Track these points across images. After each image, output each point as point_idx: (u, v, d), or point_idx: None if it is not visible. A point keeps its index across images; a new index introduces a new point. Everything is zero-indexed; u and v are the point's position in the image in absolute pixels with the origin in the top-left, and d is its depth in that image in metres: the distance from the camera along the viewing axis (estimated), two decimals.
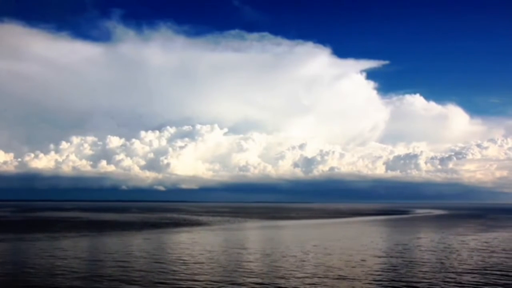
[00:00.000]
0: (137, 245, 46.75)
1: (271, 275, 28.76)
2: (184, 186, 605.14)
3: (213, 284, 26.10)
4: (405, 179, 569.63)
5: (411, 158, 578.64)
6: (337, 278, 27.91)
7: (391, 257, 37.48)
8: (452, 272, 30.08)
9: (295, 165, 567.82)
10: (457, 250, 42.21)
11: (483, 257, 37.63)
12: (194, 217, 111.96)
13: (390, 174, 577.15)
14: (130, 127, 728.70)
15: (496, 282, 26.88)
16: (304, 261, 35.01)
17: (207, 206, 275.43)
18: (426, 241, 51.14)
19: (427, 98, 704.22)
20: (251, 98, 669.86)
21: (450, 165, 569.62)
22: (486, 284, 26.43)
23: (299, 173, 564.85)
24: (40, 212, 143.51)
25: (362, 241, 51.36)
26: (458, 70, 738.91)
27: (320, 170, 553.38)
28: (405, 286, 25.85)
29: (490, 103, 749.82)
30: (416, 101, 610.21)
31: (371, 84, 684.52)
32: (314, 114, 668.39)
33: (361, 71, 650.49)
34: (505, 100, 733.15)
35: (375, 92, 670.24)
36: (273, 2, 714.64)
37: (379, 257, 37.50)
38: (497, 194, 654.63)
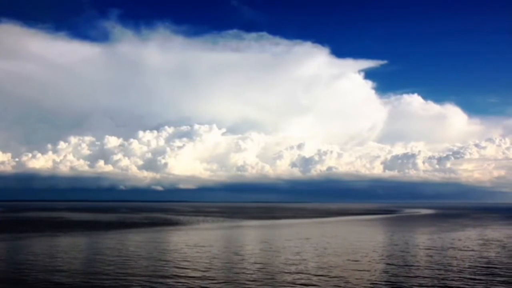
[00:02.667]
0: (94, 244, 47.57)
1: (196, 271, 29.58)
2: (182, 186, 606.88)
3: (133, 280, 26.91)
4: (403, 179, 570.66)
5: (409, 157, 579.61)
6: (268, 278, 28.67)
7: (335, 255, 38.19)
8: (379, 269, 30.88)
9: (293, 165, 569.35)
10: (407, 249, 42.96)
11: (424, 255, 38.39)
12: (177, 217, 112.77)
13: (388, 173, 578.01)
14: (128, 127, 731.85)
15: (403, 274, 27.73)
16: (243, 259, 35.78)
17: (200, 206, 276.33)
18: (384, 240, 51.84)
19: (425, 97, 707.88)
20: (250, 98, 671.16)
21: (448, 165, 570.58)
22: (406, 277, 27.25)
23: (297, 173, 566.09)
24: (26, 213, 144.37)
25: (320, 240, 52.08)
26: (456, 70, 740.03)
27: (318, 170, 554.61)
28: (317, 282, 26.65)
29: (488, 103, 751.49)
30: (414, 101, 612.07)
31: (369, 83, 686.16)
32: (313, 113, 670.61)
33: (359, 71, 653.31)
34: (503, 100, 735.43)
35: (373, 91, 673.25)
36: (272, 2, 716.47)
37: (321, 255, 38.22)
38: (495, 194, 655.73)
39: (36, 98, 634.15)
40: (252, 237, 59.38)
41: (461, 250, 42.40)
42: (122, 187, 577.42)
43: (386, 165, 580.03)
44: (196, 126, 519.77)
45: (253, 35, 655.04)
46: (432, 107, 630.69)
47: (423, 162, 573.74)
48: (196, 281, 26.99)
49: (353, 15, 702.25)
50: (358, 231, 69.42)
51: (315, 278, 27.98)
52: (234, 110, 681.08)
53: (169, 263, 33.79)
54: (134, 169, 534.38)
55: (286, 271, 30.43)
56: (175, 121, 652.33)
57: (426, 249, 43.02)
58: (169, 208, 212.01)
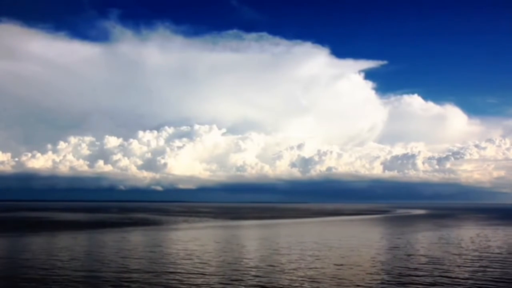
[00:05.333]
0: (51, 243, 48.04)
1: (123, 270, 29.94)
2: (181, 186, 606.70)
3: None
4: (402, 179, 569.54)
5: (408, 158, 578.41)
6: (194, 276, 29.02)
7: (278, 254, 38.49)
8: (315, 267, 31.17)
9: (293, 165, 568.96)
10: (352, 248, 43.23)
11: (364, 254, 38.67)
12: (160, 217, 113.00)
13: (388, 174, 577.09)
14: (128, 127, 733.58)
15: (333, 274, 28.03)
16: (186, 259, 36.13)
17: (195, 206, 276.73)
18: (337, 240, 52.04)
19: (425, 98, 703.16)
20: (250, 98, 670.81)
21: (448, 165, 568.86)
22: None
23: (296, 173, 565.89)
24: (12, 213, 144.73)
25: (282, 240, 52.37)
26: (456, 70, 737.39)
27: (317, 170, 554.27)
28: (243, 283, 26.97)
29: (488, 103, 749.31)
30: (414, 101, 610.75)
31: (369, 84, 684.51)
32: (313, 114, 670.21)
33: (360, 71, 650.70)
34: (503, 100, 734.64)
35: (373, 92, 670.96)
36: (271, 2, 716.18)
37: (265, 254, 38.52)
38: (495, 194, 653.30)
39: (36, 98, 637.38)
40: (217, 236, 59.51)
41: (411, 249, 42.61)
42: (121, 187, 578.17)
43: (386, 166, 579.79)
44: (196, 126, 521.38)
45: (253, 35, 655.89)
46: (432, 107, 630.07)
47: (423, 163, 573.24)
48: (122, 275, 27.35)
49: (353, 15, 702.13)
50: (329, 231, 69.67)
51: (242, 274, 28.29)
52: (234, 110, 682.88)
53: (111, 262, 34.14)
54: (133, 169, 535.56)
55: (217, 269, 30.78)
56: (175, 121, 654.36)
57: (375, 248, 43.26)
58: (161, 208, 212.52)
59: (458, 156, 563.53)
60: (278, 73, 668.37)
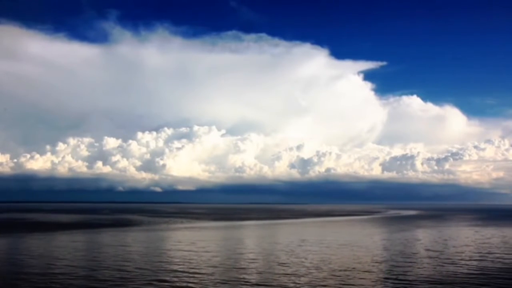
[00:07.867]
0: (19, 244, 48.72)
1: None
2: (180, 187, 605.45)
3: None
4: (401, 180, 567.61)
5: (407, 159, 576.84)
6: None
7: (237, 254, 39.08)
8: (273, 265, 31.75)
9: (291, 166, 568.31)
10: (323, 249, 43.78)
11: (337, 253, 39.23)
12: (142, 218, 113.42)
13: (387, 175, 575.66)
14: (127, 128, 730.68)
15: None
16: (133, 259, 36.74)
17: (189, 208, 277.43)
18: (310, 241, 52.59)
19: (424, 99, 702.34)
20: (249, 99, 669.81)
21: (447, 166, 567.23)
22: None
23: (295, 174, 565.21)
24: (3, 214, 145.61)
25: (246, 241, 52.93)
26: (455, 71, 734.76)
27: (316, 171, 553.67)
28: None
29: (487, 104, 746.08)
30: (413, 102, 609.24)
31: (368, 85, 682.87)
32: (312, 115, 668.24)
33: (359, 72, 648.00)
34: (502, 101, 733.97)
35: (372, 93, 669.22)
36: (271, 3, 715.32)
37: (214, 256, 39.07)
38: (494, 195, 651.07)
39: (35, 99, 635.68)
40: (184, 237, 60.08)
41: (367, 250, 43.14)
42: (120, 188, 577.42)
43: (385, 167, 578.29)
44: (195, 128, 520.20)
45: (252, 36, 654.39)
46: (431, 108, 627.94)
47: (422, 164, 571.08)
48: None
49: (353, 16, 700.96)
50: (305, 232, 70.20)
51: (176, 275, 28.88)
52: (233, 111, 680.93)
53: (58, 261, 34.78)
54: (132, 170, 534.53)
55: (156, 268, 31.38)
56: (174, 122, 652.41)
57: (334, 248, 43.77)
58: (154, 210, 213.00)
59: (457, 157, 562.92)
60: (277, 74, 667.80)
